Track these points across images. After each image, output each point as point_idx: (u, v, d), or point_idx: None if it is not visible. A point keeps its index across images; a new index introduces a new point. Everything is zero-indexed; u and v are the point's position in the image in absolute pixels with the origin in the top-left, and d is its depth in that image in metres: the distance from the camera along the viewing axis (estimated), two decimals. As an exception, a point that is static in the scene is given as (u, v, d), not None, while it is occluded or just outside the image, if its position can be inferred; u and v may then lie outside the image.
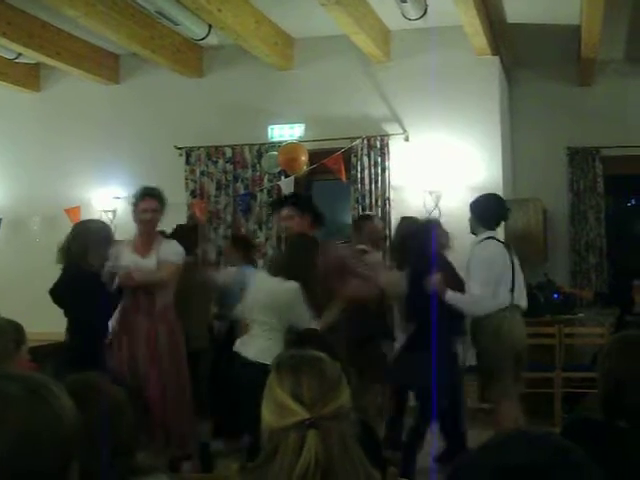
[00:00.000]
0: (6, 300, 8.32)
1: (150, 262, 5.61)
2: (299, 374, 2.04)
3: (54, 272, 8.83)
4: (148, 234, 5.72)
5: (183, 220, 8.11)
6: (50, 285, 9.10)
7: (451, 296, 5.52)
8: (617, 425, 2.38)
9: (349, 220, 8.25)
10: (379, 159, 8.24)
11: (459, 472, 1.15)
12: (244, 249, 7.06)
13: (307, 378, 2.02)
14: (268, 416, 2.02)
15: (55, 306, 8.75)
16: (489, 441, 1.22)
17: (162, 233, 6.10)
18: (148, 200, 5.66)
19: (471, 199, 7.84)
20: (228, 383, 5.48)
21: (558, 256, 9.02)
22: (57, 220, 8.83)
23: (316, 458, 1.91)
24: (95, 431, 2.07)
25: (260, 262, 8.45)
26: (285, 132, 8.55)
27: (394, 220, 8.13)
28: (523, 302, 5.85)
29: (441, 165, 8.10)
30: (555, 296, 8.53)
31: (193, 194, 8.74)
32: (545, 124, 9.04)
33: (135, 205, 5.71)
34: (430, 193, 8.11)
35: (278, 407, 2.00)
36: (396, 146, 8.25)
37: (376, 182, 8.24)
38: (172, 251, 5.66)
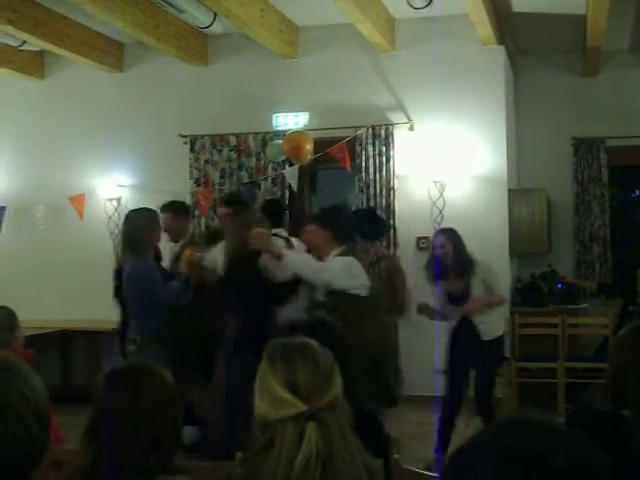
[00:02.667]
0: (11, 288, 8.36)
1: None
2: (292, 363, 2.01)
3: (59, 259, 8.90)
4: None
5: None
6: (55, 272, 9.06)
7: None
8: (622, 415, 2.38)
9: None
10: (384, 148, 8.21)
11: (459, 456, 1.15)
12: None
13: (301, 367, 2.00)
14: (262, 407, 1.99)
15: (58, 293, 8.84)
16: (490, 426, 1.22)
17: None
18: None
19: (476, 188, 7.96)
20: None
21: (562, 246, 9.01)
22: (61, 208, 8.91)
23: (317, 450, 1.89)
24: (141, 418, 2.09)
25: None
26: (290, 121, 8.52)
27: (398, 210, 8.17)
28: None
29: (446, 154, 8.08)
30: (559, 286, 8.54)
31: (197, 182, 8.74)
32: (550, 114, 9.02)
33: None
34: (435, 182, 8.11)
35: (273, 398, 1.97)
36: (401, 135, 8.23)
37: (380, 171, 8.22)
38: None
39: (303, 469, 1.88)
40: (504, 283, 7.71)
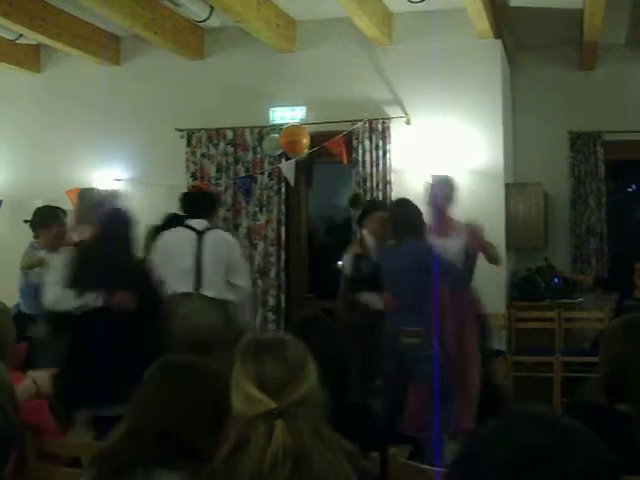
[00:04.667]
0: (6, 282, 8.32)
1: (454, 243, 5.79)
2: (261, 360, 2.01)
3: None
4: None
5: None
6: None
7: None
8: (618, 409, 2.38)
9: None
10: (380, 142, 8.17)
11: (465, 460, 1.12)
12: None
13: (270, 364, 2.00)
14: (237, 404, 2.00)
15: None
16: (496, 423, 1.16)
17: None
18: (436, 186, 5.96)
19: (472, 182, 7.92)
20: None
21: (559, 240, 8.99)
22: (58, 202, 8.69)
23: (284, 448, 1.89)
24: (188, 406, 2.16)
25: (261, 244, 8.48)
26: (286, 114, 8.49)
27: None
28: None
29: (442, 148, 8.03)
30: (555, 280, 8.55)
31: (194, 176, 8.68)
32: (547, 108, 8.97)
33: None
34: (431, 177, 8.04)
35: (244, 396, 1.98)
36: (397, 129, 8.18)
37: (377, 165, 8.18)
38: None
39: (271, 466, 1.88)
40: (502, 277, 7.81)
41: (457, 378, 5.45)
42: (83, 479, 2.19)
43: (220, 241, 5.84)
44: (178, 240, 5.74)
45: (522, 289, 8.52)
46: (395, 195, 7.97)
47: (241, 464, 1.92)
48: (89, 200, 5.68)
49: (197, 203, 6.03)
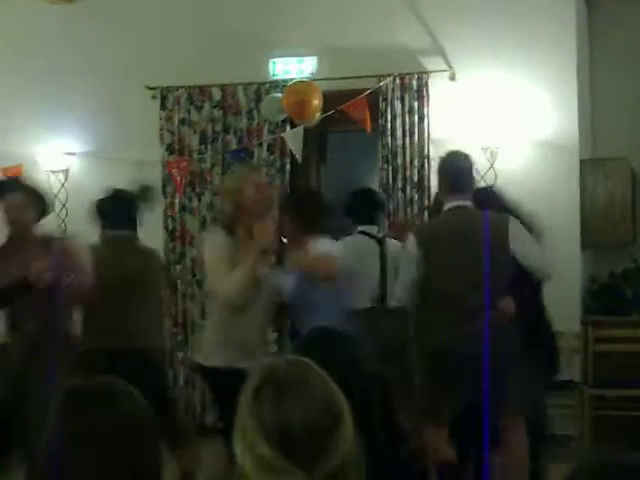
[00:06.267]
0: None
1: None
2: (284, 406, 1.91)
3: None
4: None
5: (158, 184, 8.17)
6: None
7: None
8: None
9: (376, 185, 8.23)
10: (415, 104, 8.16)
11: None
12: None
13: (297, 412, 1.90)
14: (245, 463, 1.89)
15: None
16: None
17: None
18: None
19: (537, 158, 7.79)
20: None
21: (653, 234, 8.90)
22: None
23: None
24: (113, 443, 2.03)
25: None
26: (292, 67, 8.52)
27: (435, 186, 7.94)
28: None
29: (498, 113, 8.02)
30: (645, 287, 8.39)
31: (170, 149, 8.68)
32: (635, 61, 8.80)
33: None
34: (483, 149, 7.96)
35: (257, 457, 1.87)
36: (438, 87, 8.16)
37: (411, 134, 8.16)
38: None
39: None
40: (574, 285, 7.95)
41: None
42: None
43: None
44: None
45: (602, 300, 8.40)
46: (435, 174, 7.85)
47: None
48: None
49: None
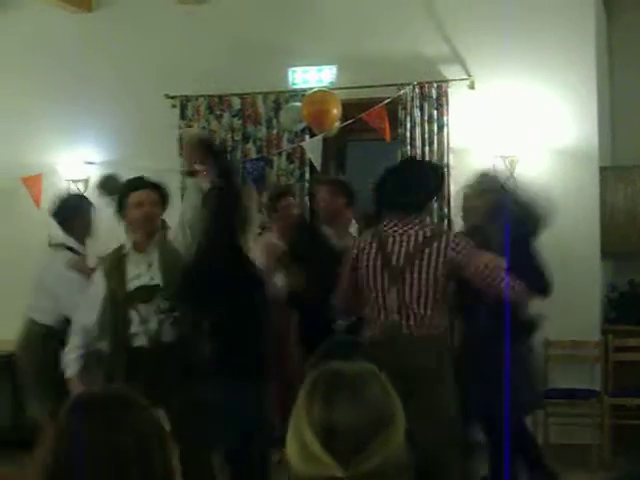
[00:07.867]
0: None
1: None
2: (333, 405, 1.92)
3: (9, 258, 8.70)
4: None
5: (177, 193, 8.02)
6: (3, 275, 8.88)
7: None
8: None
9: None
10: (435, 113, 8.19)
11: None
12: None
13: (344, 410, 1.91)
14: (292, 453, 1.93)
15: (8, 301, 8.58)
16: None
17: None
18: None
19: (556, 166, 7.78)
20: None
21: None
22: (12, 193, 8.88)
23: None
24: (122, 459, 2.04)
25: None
26: (311, 77, 8.55)
27: (454, 193, 7.97)
28: None
29: (517, 121, 8.03)
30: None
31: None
32: None
33: None
34: (502, 158, 7.98)
35: (303, 448, 1.90)
36: (458, 96, 8.20)
37: (431, 143, 8.19)
38: None
39: None
40: (594, 293, 7.96)
41: None
42: None
43: None
44: None
45: (623, 308, 8.38)
46: (455, 182, 7.95)
47: None
48: None
49: None
